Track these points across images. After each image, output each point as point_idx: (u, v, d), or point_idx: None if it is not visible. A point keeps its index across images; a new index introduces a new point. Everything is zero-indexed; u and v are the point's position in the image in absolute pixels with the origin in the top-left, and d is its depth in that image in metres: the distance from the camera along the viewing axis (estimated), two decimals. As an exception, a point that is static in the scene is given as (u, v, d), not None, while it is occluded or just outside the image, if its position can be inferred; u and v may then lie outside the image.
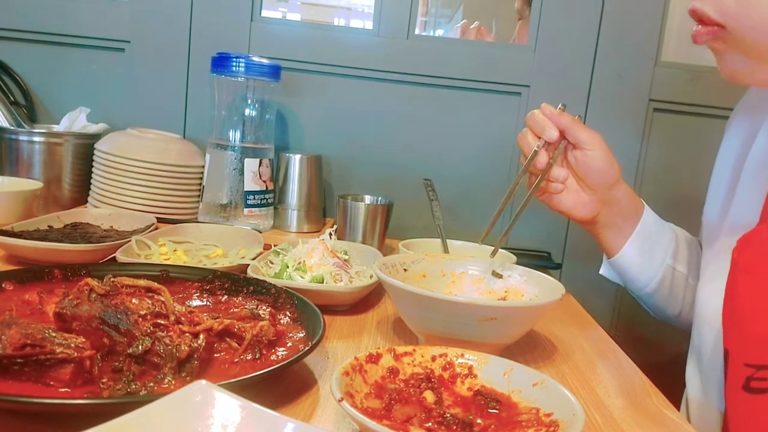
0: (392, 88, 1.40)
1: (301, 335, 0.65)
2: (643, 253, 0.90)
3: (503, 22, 1.65)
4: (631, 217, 0.89)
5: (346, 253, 0.92)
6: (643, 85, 1.37)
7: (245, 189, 1.21)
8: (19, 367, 0.51)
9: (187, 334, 0.57)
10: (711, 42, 0.73)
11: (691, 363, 0.83)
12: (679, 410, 0.85)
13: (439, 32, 1.73)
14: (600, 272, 0.99)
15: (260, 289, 0.74)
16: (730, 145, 0.86)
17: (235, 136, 1.23)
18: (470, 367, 0.57)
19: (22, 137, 1.22)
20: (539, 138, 0.82)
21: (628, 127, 1.39)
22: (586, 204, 0.86)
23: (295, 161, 1.26)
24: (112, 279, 0.62)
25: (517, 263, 0.91)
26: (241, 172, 1.21)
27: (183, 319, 0.59)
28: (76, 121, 1.30)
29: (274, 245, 0.97)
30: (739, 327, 0.65)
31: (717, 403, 0.75)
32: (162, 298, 0.61)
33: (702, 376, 0.80)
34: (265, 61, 1.25)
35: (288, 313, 0.70)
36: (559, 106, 0.84)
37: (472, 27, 1.58)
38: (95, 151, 1.23)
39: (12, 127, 1.26)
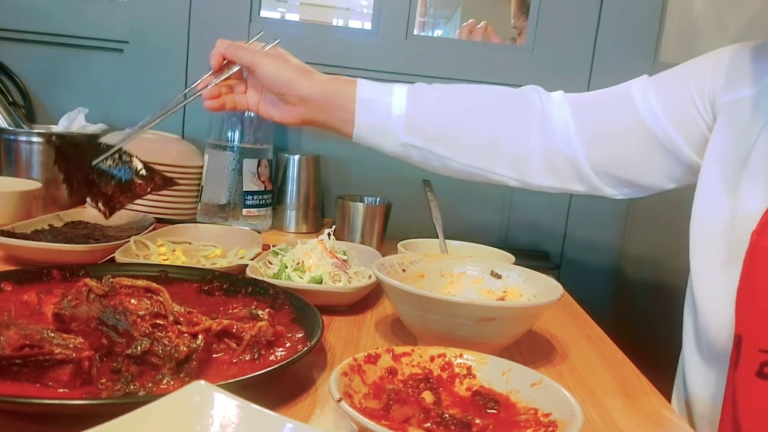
0: (391, 89, 1.40)
1: (300, 336, 0.65)
2: (375, 132, 0.91)
3: (502, 22, 1.65)
4: (345, 103, 0.90)
5: (344, 254, 0.93)
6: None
7: (244, 189, 1.21)
8: (18, 368, 0.51)
9: (186, 335, 0.57)
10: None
11: (687, 353, 0.83)
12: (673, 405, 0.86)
13: (438, 32, 1.73)
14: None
15: (259, 290, 0.74)
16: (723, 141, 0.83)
17: (233, 136, 1.23)
18: (469, 368, 0.57)
19: (20, 138, 1.22)
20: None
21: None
22: (289, 112, 0.92)
23: (294, 162, 1.27)
24: (110, 279, 0.62)
25: (516, 263, 0.91)
26: (240, 173, 1.21)
27: (182, 319, 0.59)
28: (75, 122, 1.30)
29: (273, 246, 0.97)
30: (756, 312, 0.65)
31: (716, 390, 0.75)
32: (161, 299, 0.61)
33: (702, 364, 0.79)
34: (263, 61, 1.25)
35: (287, 313, 0.70)
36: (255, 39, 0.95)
37: (479, 26, 1.58)
38: (94, 152, 1.23)
39: (11, 128, 1.26)
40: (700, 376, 0.79)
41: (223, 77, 0.92)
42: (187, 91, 0.95)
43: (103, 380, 0.52)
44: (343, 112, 0.90)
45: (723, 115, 0.80)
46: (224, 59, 0.92)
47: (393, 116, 0.90)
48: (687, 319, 0.84)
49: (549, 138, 0.90)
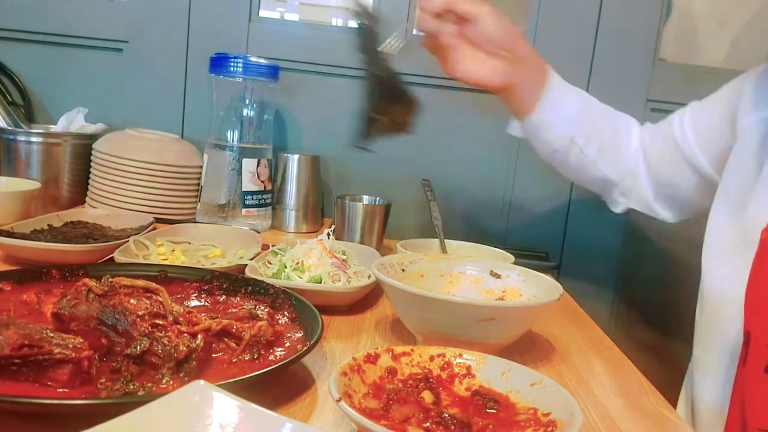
0: (390, 89, 1.40)
1: (300, 335, 0.65)
2: (552, 116, 0.95)
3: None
4: (540, 77, 0.95)
5: (344, 254, 0.92)
6: (640, 85, 1.37)
7: (243, 189, 1.21)
8: (17, 368, 0.51)
9: (185, 335, 0.56)
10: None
11: (698, 353, 0.83)
12: (675, 407, 0.86)
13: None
14: (507, 131, 1.03)
15: (258, 290, 0.74)
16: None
17: (233, 136, 1.23)
18: (468, 367, 0.57)
19: (20, 137, 1.22)
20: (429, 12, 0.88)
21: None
22: (496, 70, 0.90)
23: (293, 161, 1.26)
24: (110, 279, 0.62)
25: (515, 263, 0.91)
26: (239, 173, 1.21)
27: (181, 319, 0.59)
28: (74, 121, 1.30)
29: (272, 245, 0.97)
30: (765, 308, 0.65)
31: (725, 390, 0.75)
32: (160, 299, 0.61)
33: (713, 365, 0.80)
34: (263, 61, 1.25)
35: (286, 313, 0.70)
36: None
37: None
38: (93, 152, 1.23)
39: (10, 128, 1.26)
40: (711, 376, 0.79)
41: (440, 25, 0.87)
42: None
43: (103, 380, 0.52)
44: (535, 90, 0.93)
45: (742, 136, 0.84)
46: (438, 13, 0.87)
47: (566, 113, 0.96)
48: (699, 320, 0.84)
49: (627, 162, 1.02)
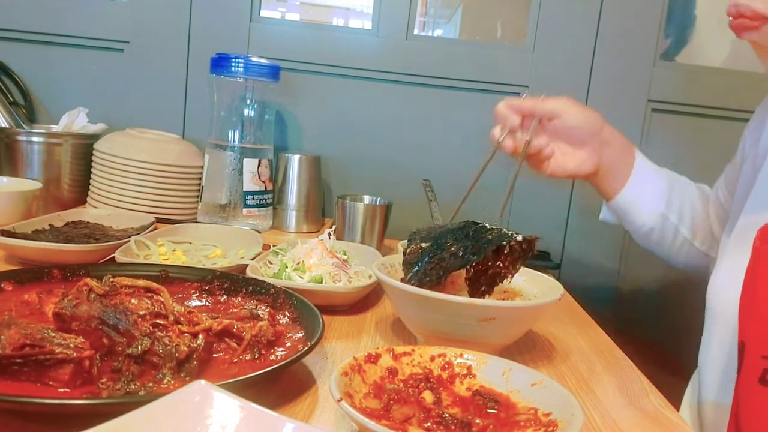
0: (391, 89, 1.40)
1: (300, 335, 0.65)
2: (642, 193, 0.96)
3: (501, 22, 1.65)
4: (627, 157, 0.96)
5: (344, 254, 0.93)
6: (641, 86, 1.37)
7: (244, 189, 1.21)
8: (19, 368, 0.51)
9: (186, 335, 0.57)
10: (752, 36, 0.75)
11: (703, 354, 0.84)
12: (678, 409, 0.86)
13: (438, 32, 1.73)
14: (600, 218, 1.04)
15: (259, 290, 0.74)
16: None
17: (234, 136, 1.23)
18: (469, 367, 0.57)
19: (21, 137, 1.22)
20: (505, 128, 0.89)
21: (626, 127, 1.37)
22: (586, 159, 0.92)
23: (294, 161, 1.27)
24: (111, 279, 0.62)
25: (516, 263, 0.91)
26: (240, 173, 1.21)
27: (182, 319, 0.59)
28: (75, 121, 1.30)
29: (273, 245, 0.97)
30: (758, 318, 0.65)
31: (725, 395, 0.75)
32: (161, 299, 0.61)
33: (711, 367, 0.80)
34: (264, 61, 1.25)
35: (287, 313, 0.70)
36: (523, 95, 0.91)
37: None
38: (94, 152, 1.23)
39: (11, 128, 1.26)
40: (715, 381, 0.79)
41: (533, 129, 0.87)
42: (496, 149, 0.90)
43: (104, 380, 0.52)
44: (623, 170, 0.94)
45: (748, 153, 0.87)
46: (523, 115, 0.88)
47: (655, 189, 0.97)
48: (706, 327, 0.84)
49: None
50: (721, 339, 0.77)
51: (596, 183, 0.97)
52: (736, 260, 0.76)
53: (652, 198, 0.97)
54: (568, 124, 0.88)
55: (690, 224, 0.99)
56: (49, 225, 1.01)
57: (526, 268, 0.82)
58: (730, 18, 0.77)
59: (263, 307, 0.70)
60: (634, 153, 0.97)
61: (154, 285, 0.63)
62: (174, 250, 0.95)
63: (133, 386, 0.51)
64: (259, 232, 1.11)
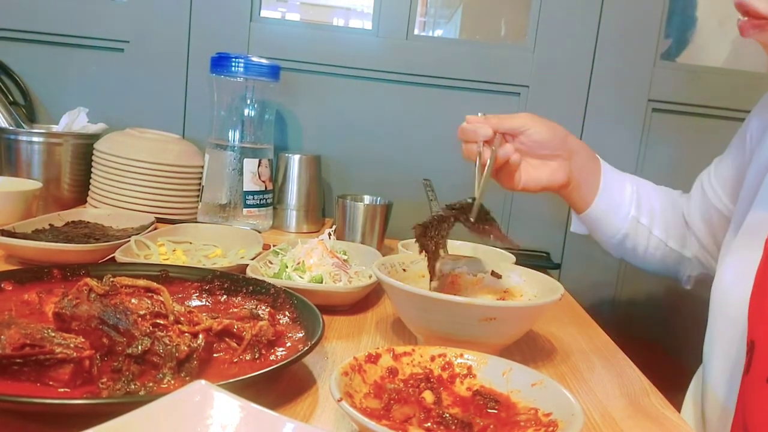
0: (391, 89, 1.40)
1: (301, 335, 0.65)
2: (613, 200, 0.97)
3: (501, 21, 1.65)
4: (594, 165, 0.97)
5: (345, 253, 0.93)
6: (642, 86, 1.37)
7: (244, 189, 1.21)
8: (19, 367, 0.51)
9: (187, 334, 0.57)
10: (758, 35, 0.74)
11: (707, 351, 0.83)
12: (680, 409, 0.85)
13: (439, 32, 1.73)
14: (571, 230, 1.05)
15: (259, 289, 0.74)
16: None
17: (234, 136, 1.23)
18: (469, 367, 0.57)
19: (21, 137, 1.22)
20: (476, 142, 0.87)
21: (627, 127, 1.39)
22: (557, 169, 0.92)
23: (294, 161, 1.27)
24: (111, 279, 0.62)
25: (516, 263, 0.91)
26: (240, 173, 1.21)
27: (182, 319, 0.59)
28: (76, 121, 1.30)
29: (273, 245, 0.97)
30: (767, 317, 0.65)
31: (731, 392, 0.75)
32: (161, 298, 0.61)
33: (717, 364, 0.79)
34: (264, 61, 1.25)
35: (287, 313, 0.70)
36: (479, 114, 0.90)
37: None
38: (94, 151, 1.23)
39: (11, 128, 1.26)
40: (720, 380, 0.79)
41: (498, 144, 0.86)
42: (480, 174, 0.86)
43: (104, 380, 0.52)
44: (593, 180, 0.96)
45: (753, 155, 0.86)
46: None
47: (625, 195, 0.98)
48: (710, 323, 0.84)
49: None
50: (728, 337, 0.77)
51: (568, 195, 0.97)
52: (743, 257, 0.76)
53: (622, 203, 0.98)
54: (535, 138, 0.89)
55: (662, 225, 1.00)
56: (49, 225, 1.01)
57: (526, 268, 0.83)
58: (738, 17, 0.77)
59: (263, 307, 0.70)
60: (599, 161, 0.98)
61: (154, 285, 0.63)
62: (174, 250, 0.95)
63: (133, 386, 0.51)
64: (260, 232, 1.11)
